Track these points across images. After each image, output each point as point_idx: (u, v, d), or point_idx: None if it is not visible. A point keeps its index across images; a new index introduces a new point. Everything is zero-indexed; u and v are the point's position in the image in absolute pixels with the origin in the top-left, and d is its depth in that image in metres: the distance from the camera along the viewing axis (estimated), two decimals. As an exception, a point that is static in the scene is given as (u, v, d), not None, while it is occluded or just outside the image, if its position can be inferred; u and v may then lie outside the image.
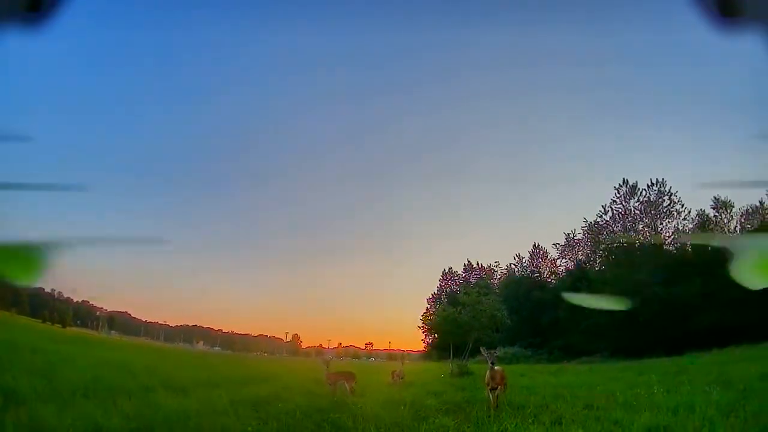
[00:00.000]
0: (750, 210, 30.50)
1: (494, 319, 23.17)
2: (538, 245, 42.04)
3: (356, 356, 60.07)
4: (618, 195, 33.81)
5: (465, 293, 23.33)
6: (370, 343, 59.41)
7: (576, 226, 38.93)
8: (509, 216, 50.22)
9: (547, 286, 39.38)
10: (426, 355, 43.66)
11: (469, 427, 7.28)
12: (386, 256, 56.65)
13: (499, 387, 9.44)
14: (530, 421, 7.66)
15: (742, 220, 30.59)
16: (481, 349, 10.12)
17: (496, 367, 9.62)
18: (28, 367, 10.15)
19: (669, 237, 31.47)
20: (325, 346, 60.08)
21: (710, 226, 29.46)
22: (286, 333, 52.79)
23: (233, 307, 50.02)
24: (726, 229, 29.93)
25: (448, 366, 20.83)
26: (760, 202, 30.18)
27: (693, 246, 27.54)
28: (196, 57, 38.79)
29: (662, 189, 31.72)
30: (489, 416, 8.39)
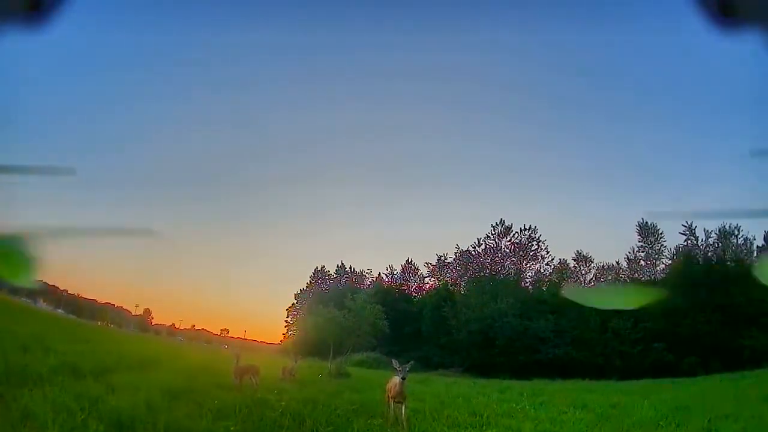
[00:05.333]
0: (606, 266, 35.38)
1: (375, 327, 24.47)
2: (411, 261, 44.70)
3: (208, 341, 56.27)
4: (493, 232, 37.94)
5: (352, 299, 24.13)
6: (226, 330, 56.27)
7: (449, 250, 41.68)
8: (386, 227, 52.61)
9: (413, 299, 41.71)
10: (282, 349, 43.25)
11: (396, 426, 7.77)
12: (252, 245, 55.01)
13: (405, 401, 8.99)
14: (443, 424, 8.47)
15: (598, 274, 34.96)
16: (393, 361, 9.51)
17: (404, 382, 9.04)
18: None
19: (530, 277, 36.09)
20: (178, 326, 55.62)
21: (568, 275, 34.26)
22: (136, 306, 47.93)
23: (82, 268, 44.44)
24: (583, 280, 34.30)
25: (327, 366, 21.25)
26: (617, 262, 35.19)
27: (548, 288, 32.09)
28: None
29: (533, 235, 36.15)
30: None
